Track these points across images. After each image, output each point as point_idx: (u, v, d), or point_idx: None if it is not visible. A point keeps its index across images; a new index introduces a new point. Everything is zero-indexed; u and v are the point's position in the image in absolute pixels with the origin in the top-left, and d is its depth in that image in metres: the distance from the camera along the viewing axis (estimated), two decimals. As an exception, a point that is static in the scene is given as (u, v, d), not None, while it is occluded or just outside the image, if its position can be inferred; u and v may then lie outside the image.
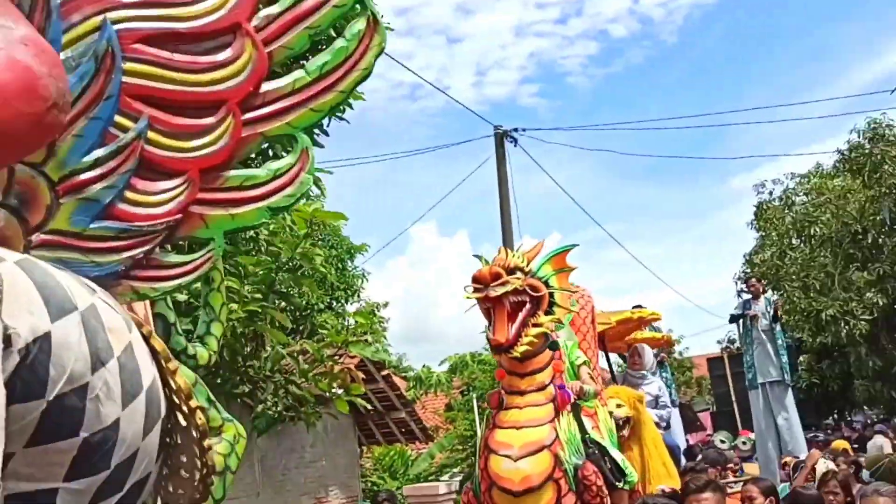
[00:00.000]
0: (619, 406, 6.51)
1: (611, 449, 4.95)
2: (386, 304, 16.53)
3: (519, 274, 4.47)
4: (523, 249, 4.70)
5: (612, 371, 9.10)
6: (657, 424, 7.56)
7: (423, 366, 20.17)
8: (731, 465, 11.35)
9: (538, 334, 4.58)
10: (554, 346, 4.71)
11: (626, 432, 6.44)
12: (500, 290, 4.25)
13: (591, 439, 4.68)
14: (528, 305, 4.51)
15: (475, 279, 4.30)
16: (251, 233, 7.84)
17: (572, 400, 4.61)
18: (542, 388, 4.58)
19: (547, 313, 4.63)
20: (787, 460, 9.32)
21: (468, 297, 4.33)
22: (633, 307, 12.38)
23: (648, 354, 9.16)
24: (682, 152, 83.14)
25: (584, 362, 5.41)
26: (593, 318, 6.38)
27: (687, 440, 13.93)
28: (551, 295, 4.66)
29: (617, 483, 4.67)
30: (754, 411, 12.58)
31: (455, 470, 17.43)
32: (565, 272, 4.83)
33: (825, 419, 25.13)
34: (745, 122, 68.01)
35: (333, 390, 8.64)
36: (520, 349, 4.44)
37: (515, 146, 18.83)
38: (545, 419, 4.46)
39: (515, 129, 18.84)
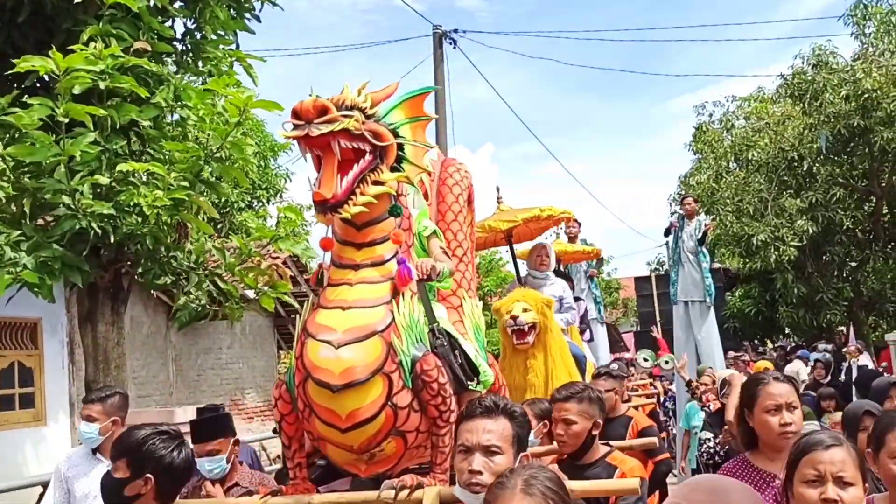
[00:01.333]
0: (525, 310, 5.95)
1: (464, 342, 4.11)
2: (310, 207, 15.90)
3: (357, 115, 3.41)
4: (373, 92, 3.61)
5: (517, 272, 8.37)
6: (563, 331, 7.03)
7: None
8: (639, 383, 11.73)
9: (379, 195, 3.55)
10: (395, 211, 3.73)
11: (530, 339, 5.91)
12: (325, 129, 3.23)
13: (440, 329, 3.86)
14: (367, 156, 3.49)
15: (294, 113, 3.30)
16: (178, 117, 7.51)
17: (414, 278, 3.69)
18: (381, 262, 3.64)
19: (393, 170, 3.60)
20: (705, 379, 9.15)
21: (286, 137, 3.35)
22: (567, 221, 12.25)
23: (553, 254, 8.32)
24: (625, 67, 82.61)
25: (434, 233, 4.44)
26: (470, 199, 5.34)
27: (618, 359, 13.96)
28: (400, 148, 3.60)
29: (468, 383, 3.93)
30: (675, 327, 12.75)
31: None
32: (421, 122, 3.73)
33: (748, 342, 25.45)
34: (691, 38, 67.65)
35: (259, 286, 8.33)
36: (352, 209, 3.37)
37: (454, 48, 18.28)
38: (380, 300, 3.55)
39: (455, 31, 18.32)
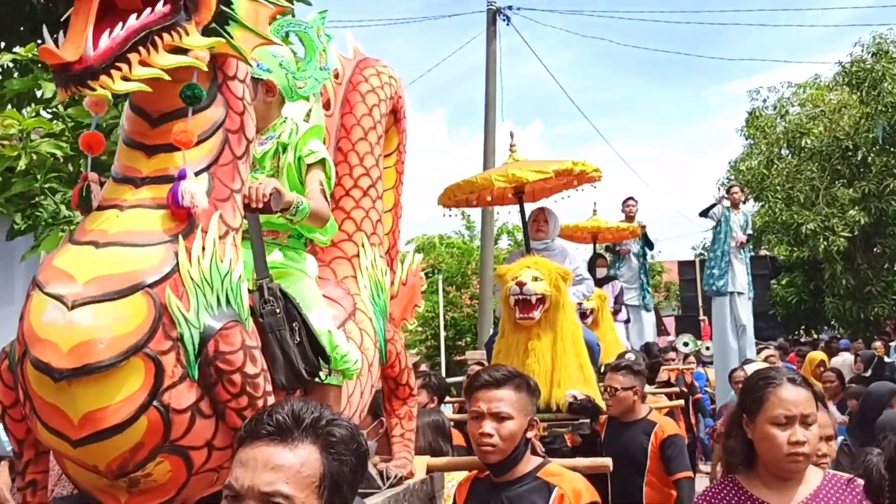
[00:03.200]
0: (535, 279, 5.04)
1: (316, 311, 3.01)
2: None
3: None
4: None
5: (527, 239, 7.07)
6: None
7: (391, 244, 19.82)
8: (673, 368, 11.08)
9: (178, 68, 2.38)
10: (192, 95, 2.43)
11: (536, 314, 5.01)
12: None
13: (273, 288, 2.83)
14: (161, 5, 2.32)
15: None
16: None
17: (188, 205, 2.41)
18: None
19: (209, 33, 2.46)
20: (739, 374, 8.97)
21: None
22: (626, 199, 12.05)
23: (556, 220, 7.22)
24: (680, 49, 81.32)
25: (321, 163, 3.20)
26: (397, 116, 4.18)
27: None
28: (227, 2, 2.50)
29: (310, 377, 2.85)
30: (716, 318, 12.59)
31: (413, 351, 17.30)
32: (267, 4, 2.63)
33: (792, 334, 25.17)
34: (748, 23, 66.47)
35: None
36: (116, 84, 2.22)
37: (508, 25, 18.14)
38: (159, 236, 2.40)
39: (510, 7, 18.13)
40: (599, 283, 9.79)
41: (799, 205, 22.41)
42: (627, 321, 11.04)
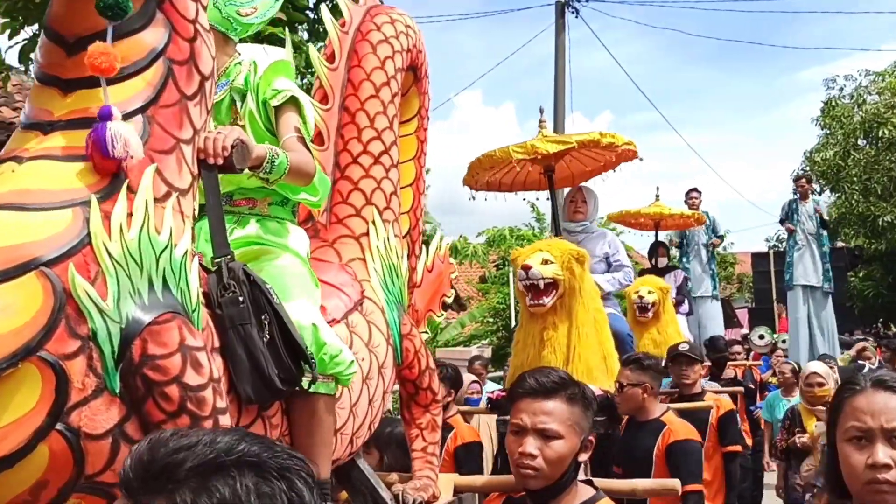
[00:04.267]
0: (545, 262, 4.55)
1: (292, 303, 2.45)
2: (427, 171, 16.12)
3: None
4: None
5: (556, 224, 6.56)
6: (605, 296, 5.58)
7: (460, 236, 20.01)
8: (739, 363, 10.25)
9: None
10: (114, 9, 1.94)
11: (548, 301, 4.49)
12: None
13: (234, 269, 2.27)
14: None
15: None
16: (307, 83, 7.72)
17: (117, 154, 1.92)
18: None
19: None
20: (785, 367, 8.42)
21: None
22: (689, 191, 11.88)
23: (596, 200, 6.63)
24: (752, 38, 79.59)
25: (293, 102, 2.64)
26: (417, 74, 3.63)
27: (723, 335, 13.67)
28: None
29: (286, 385, 2.29)
30: (790, 312, 12.42)
31: (484, 342, 17.45)
32: None
33: (869, 327, 24.65)
34: (823, 10, 64.72)
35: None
36: None
37: (576, 17, 18.09)
38: (68, 196, 1.89)
39: (578, 0, 18.01)
40: (661, 272, 9.55)
41: (876, 196, 21.88)
42: (690, 313, 10.58)
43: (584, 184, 6.85)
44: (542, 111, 6.64)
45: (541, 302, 4.51)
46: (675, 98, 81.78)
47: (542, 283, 4.50)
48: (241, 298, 2.22)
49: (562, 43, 17.58)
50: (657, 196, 10.66)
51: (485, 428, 5.93)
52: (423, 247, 3.87)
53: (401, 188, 3.50)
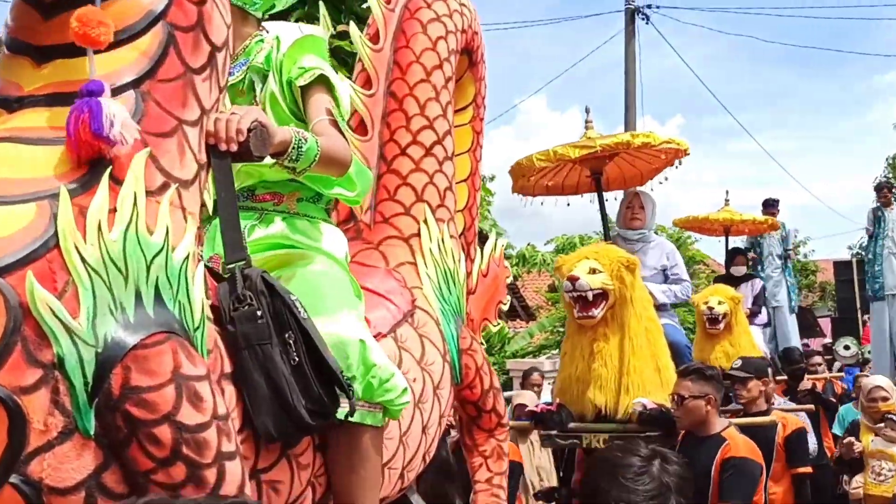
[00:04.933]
0: (593, 272, 4.26)
1: (327, 318, 2.08)
2: (493, 178, 15.88)
3: None
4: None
5: (605, 228, 6.29)
6: (661, 307, 5.32)
7: (528, 244, 19.72)
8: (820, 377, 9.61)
9: None
10: None
11: (597, 313, 4.22)
12: None
13: (251, 276, 1.94)
14: None
15: None
16: None
17: (109, 134, 1.61)
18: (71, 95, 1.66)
19: None
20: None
21: None
22: (765, 202, 11.49)
23: (654, 206, 6.21)
24: (827, 42, 77.45)
25: (322, 80, 2.29)
26: (473, 58, 3.33)
27: (806, 344, 13.14)
28: None
29: (317, 419, 1.93)
30: (875, 323, 11.91)
31: (554, 351, 17.14)
32: None
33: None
34: (900, 16, 62.60)
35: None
36: None
37: (647, 24, 17.68)
38: (32, 188, 1.58)
39: (649, 6, 17.57)
40: (737, 281, 9.20)
41: (966, 202, 20.98)
42: (767, 324, 10.22)
43: (640, 189, 6.47)
44: (587, 111, 6.25)
45: (590, 314, 4.21)
46: (748, 102, 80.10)
47: (590, 295, 4.20)
48: (258, 313, 1.85)
49: (632, 49, 17.33)
50: (727, 201, 10.23)
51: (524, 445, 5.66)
52: (478, 249, 3.55)
53: (455, 183, 3.17)
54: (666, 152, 6.04)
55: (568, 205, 6.80)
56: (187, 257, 1.72)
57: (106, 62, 1.67)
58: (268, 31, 2.36)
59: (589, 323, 4.25)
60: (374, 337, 2.33)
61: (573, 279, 4.18)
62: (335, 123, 2.22)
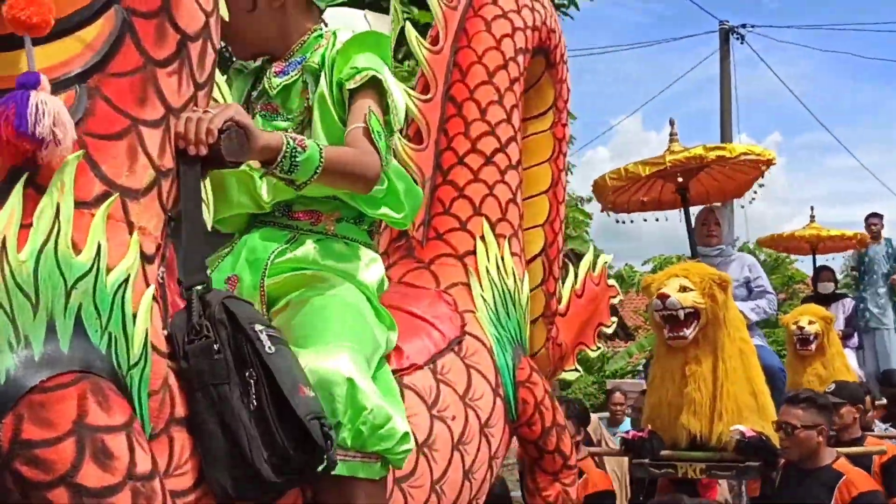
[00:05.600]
0: (683, 289, 4.06)
1: (319, 350, 1.83)
2: (589, 200, 16.07)
3: None
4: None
5: (692, 244, 5.96)
6: (750, 325, 5.10)
7: (626, 264, 19.72)
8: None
9: None
10: None
11: (689, 333, 4.02)
12: None
13: (209, 301, 1.68)
14: None
15: None
16: None
17: (48, 141, 1.43)
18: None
19: None
20: None
21: None
22: (868, 217, 11.11)
23: (729, 223, 6.08)
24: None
25: (373, 82, 2.04)
26: (551, 57, 3.08)
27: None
28: None
29: (281, 475, 1.63)
30: None
31: (653, 371, 17.14)
32: None
33: None
34: None
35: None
36: None
37: (742, 43, 17.54)
38: None
39: (743, 26, 17.38)
40: (826, 300, 8.81)
41: None
42: (860, 347, 9.62)
43: (715, 204, 6.26)
44: (672, 123, 5.94)
45: (681, 334, 4.00)
46: (846, 117, 77.79)
47: (681, 314, 3.98)
48: (215, 346, 1.58)
49: (727, 68, 17.16)
50: (812, 217, 9.91)
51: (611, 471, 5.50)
52: (569, 266, 3.30)
53: (533, 196, 2.95)
54: (749, 164, 5.81)
55: (656, 220, 6.66)
56: (126, 280, 1.47)
57: (47, 54, 1.46)
58: (327, 26, 2.16)
59: (680, 344, 4.04)
60: (407, 369, 2.15)
61: (663, 297, 3.99)
62: (368, 132, 1.96)
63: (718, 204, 6.33)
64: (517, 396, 2.54)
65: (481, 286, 2.54)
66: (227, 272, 1.99)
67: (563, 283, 3.23)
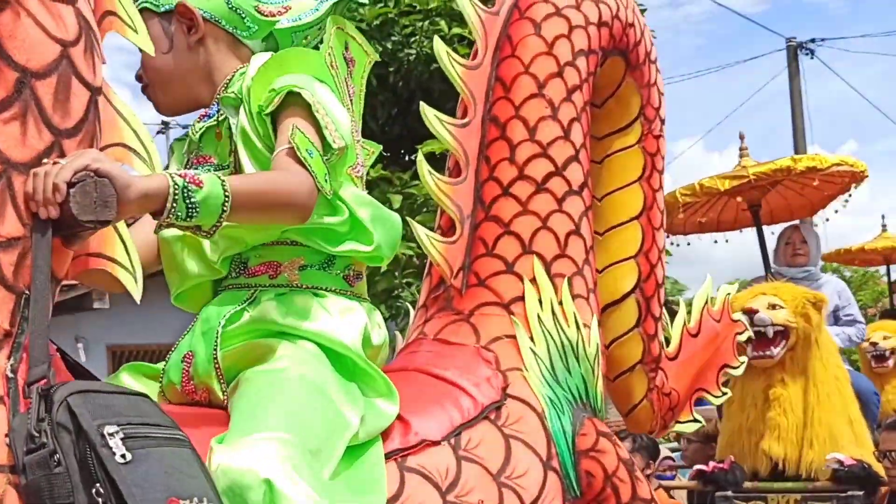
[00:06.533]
0: (772, 307, 3.83)
1: (248, 440, 1.46)
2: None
3: None
4: None
5: (766, 263, 5.61)
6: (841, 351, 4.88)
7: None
8: None
9: None
10: None
11: (776, 352, 3.82)
12: None
13: (52, 400, 1.31)
14: None
15: None
16: None
17: None
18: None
19: None
20: None
21: None
22: None
23: (816, 241, 5.58)
24: None
25: (292, 96, 1.69)
26: (633, 56, 2.58)
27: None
28: None
29: None
30: None
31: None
32: None
33: None
34: None
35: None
36: None
37: (812, 59, 16.90)
38: None
39: (812, 40, 16.68)
40: None
41: None
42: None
43: (801, 221, 5.91)
44: (742, 138, 5.58)
45: (767, 353, 3.72)
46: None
47: (770, 331, 3.72)
48: (56, 457, 1.26)
49: (797, 85, 16.71)
50: (884, 227, 9.15)
51: None
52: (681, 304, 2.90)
53: (622, 223, 2.54)
54: (839, 175, 5.37)
55: (715, 242, 6.37)
56: None
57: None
58: (243, 68, 1.84)
59: (764, 364, 3.78)
60: (415, 447, 1.77)
61: (751, 312, 3.66)
62: (293, 152, 1.62)
63: (801, 220, 5.99)
64: (579, 468, 2.07)
65: (531, 338, 2.11)
66: (185, 350, 1.71)
67: (672, 321, 2.81)
